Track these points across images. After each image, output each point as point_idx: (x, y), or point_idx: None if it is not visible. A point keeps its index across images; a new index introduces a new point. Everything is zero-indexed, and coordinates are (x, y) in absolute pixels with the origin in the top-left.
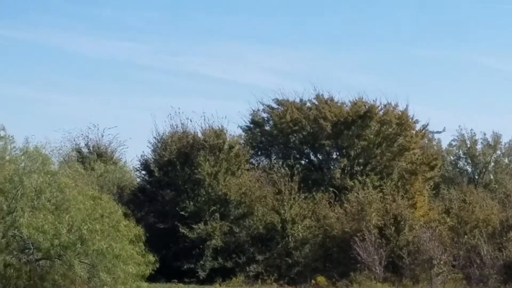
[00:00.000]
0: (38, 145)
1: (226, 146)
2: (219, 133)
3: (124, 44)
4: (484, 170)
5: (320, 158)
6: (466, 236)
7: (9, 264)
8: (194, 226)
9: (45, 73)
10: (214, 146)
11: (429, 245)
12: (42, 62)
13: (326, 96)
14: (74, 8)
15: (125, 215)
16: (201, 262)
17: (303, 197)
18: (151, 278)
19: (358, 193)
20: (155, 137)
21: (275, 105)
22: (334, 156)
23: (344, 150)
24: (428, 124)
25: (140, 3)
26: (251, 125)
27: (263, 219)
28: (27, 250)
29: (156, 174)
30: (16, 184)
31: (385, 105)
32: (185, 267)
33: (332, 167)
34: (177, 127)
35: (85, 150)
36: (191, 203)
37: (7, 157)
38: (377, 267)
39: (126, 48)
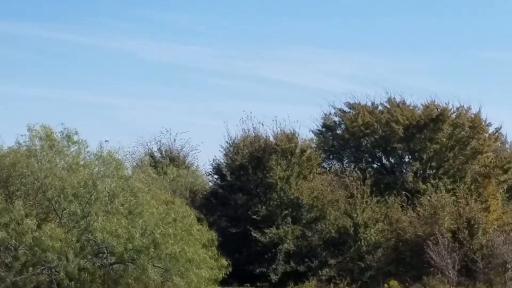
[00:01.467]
0: (111, 150)
1: (298, 150)
2: (291, 137)
3: (194, 48)
4: None
5: (392, 162)
6: None
7: (83, 268)
8: (266, 230)
9: (116, 78)
10: (286, 150)
11: (503, 248)
12: (113, 68)
13: (398, 100)
14: (143, 13)
15: (198, 219)
16: (273, 266)
17: (375, 200)
18: (223, 282)
19: (430, 197)
20: (227, 141)
21: (346, 109)
22: (406, 160)
23: (416, 154)
24: (501, 127)
25: (209, 8)
26: (323, 129)
27: (335, 223)
28: (101, 254)
29: (228, 178)
30: (90, 189)
31: (457, 108)
32: (258, 271)
33: (404, 170)
34: (249, 131)
35: (157, 154)
36: (263, 207)
37: (81, 162)
38: (450, 271)
39: (196, 53)
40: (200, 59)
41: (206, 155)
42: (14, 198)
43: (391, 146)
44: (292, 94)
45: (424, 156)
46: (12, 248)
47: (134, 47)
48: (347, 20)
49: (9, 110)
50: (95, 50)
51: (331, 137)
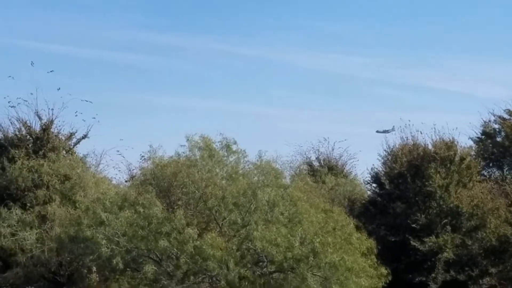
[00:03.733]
0: (270, 159)
1: (457, 158)
2: (450, 145)
3: (352, 58)
4: None
5: None
6: None
7: (243, 276)
8: (425, 239)
9: (275, 89)
10: (445, 158)
11: None
12: (273, 78)
13: None
14: (302, 22)
15: (357, 227)
16: (433, 275)
17: None
18: None
19: None
20: (385, 150)
21: (506, 116)
22: None
23: None
24: None
25: (364, 17)
26: (482, 137)
27: (496, 231)
28: (260, 263)
29: (387, 186)
30: (250, 198)
31: None
32: (417, 279)
33: None
34: (407, 139)
35: (316, 163)
36: (422, 215)
37: (240, 171)
38: None
39: (352, 62)
40: (357, 68)
41: (364, 163)
42: (175, 207)
43: None
44: (450, 102)
45: None
46: (174, 257)
47: (293, 57)
48: (506, 27)
49: (171, 120)
50: (257, 61)
51: (490, 145)
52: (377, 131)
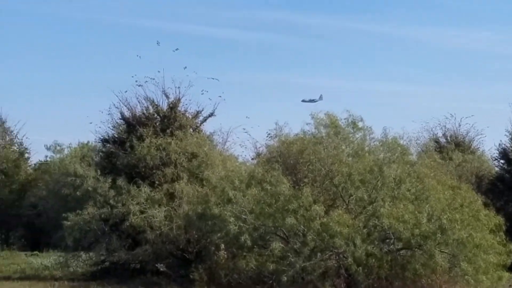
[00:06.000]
0: (395, 136)
1: None
2: None
3: (481, 34)
4: None
5: None
6: None
7: (370, 253)
8: None
9: (404, 66)
10: None
11: None
12: (398, 56)
13: None
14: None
15: (485, 204)
16: None
17: None
18: None
19: None
20: None
21: None
22: None
23: None
24: None
25: None
26: None
27: None
28: (387, 240)
29: None
30: (376, 175)
31: None
32: None
33: None
34: None
35: (442, 140)
36: None
37: (366, 148)
38: None
39: (481, 38)
40: (484, 43)
41: (491, 139)
42: (301, 184)
43: None
44: None
45: None
46: (301, 234)
47: (425, 35)
48: None
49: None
50: (386, 38)
51: None
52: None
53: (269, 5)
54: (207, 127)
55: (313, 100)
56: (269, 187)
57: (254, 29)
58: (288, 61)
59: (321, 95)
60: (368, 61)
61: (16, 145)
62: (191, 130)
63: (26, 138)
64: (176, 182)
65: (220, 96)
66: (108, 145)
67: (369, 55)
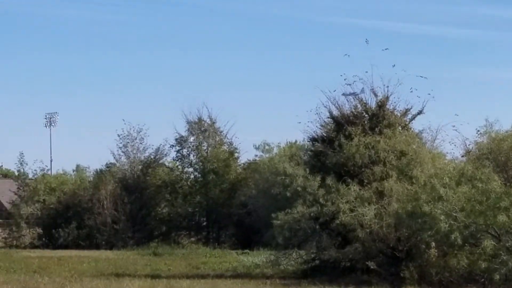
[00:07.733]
0: None
1: None
2: None
3: None
4: None
5: None
6: None
7: None
8: None
9: None
10: None
11: None
12: None
13: None
14: None
15: None
16: None
17: None
18: None
19: None
20: None
21: None
22: None
23: None
24: None
25: None
26: None
27: None
28: None
29: None
30: None
31: None
32: None
33: None
34: None
35: None
36: None
37: None
38: None
39: None
40: None
41: None
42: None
43: None
44: None
45: None
46: None
47: None
48: None
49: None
50: None
51: None
52: None
53: (482, 0)
54: (416, 125)
55: (355, 93)
56: (479, 185)
57: (464, 26)
58: (500, 57)
59: (363, 87)
60: None
61: (226, 144)
62: (400, 128)
63: (236, 137)
64: (385, 180)
65: (429, 94)
66: (317, 144)
67: None
